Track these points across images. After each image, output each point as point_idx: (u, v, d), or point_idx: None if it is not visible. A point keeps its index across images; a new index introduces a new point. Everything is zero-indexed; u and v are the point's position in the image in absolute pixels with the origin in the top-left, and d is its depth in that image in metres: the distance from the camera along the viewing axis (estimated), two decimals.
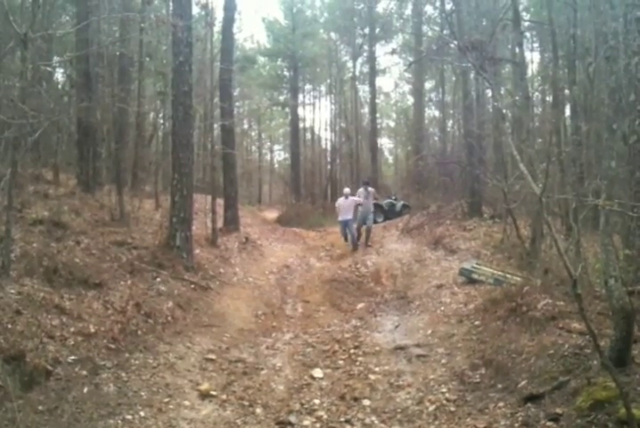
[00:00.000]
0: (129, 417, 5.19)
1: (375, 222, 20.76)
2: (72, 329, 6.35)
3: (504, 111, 8.75)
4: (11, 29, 7.66)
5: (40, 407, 4.89)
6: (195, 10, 16.34)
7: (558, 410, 4.68)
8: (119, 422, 5.08)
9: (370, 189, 15.87)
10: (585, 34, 11.35)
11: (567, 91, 12.64)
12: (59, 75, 17.78)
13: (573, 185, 8.91)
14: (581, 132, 9.99)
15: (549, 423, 4.57)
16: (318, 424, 5.39)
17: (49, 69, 11.14)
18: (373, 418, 5.52)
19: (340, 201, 15.72)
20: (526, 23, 18.26)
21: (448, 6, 19.36)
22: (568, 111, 13.14)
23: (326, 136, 38.85)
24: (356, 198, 15.47)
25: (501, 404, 5.25)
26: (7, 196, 7.20)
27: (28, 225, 9.07)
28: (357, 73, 34.45)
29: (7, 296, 6.33)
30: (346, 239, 15.55)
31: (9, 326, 5.72)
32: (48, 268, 7.40)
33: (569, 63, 11.80)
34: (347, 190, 15.88)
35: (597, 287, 6.79)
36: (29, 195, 10.55)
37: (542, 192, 4.61)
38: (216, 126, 17.52)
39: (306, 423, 5.42)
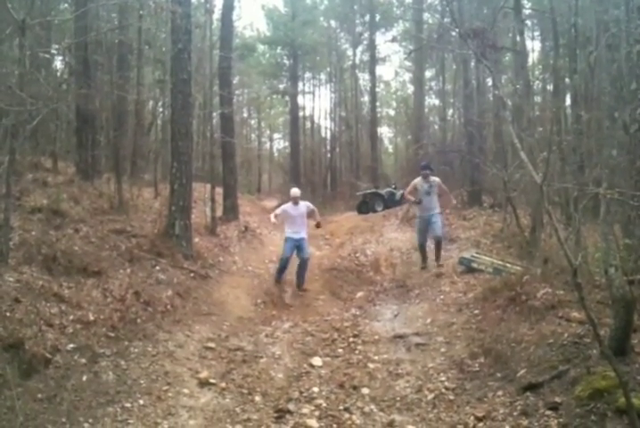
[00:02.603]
0: (128, 405, 5.20)
1: (375, 211, 20.83)
2: (71, 317, 6.35)
3: (504, 99, 8.70)
4: (9, 16, 7.60)
5: (39, 395, 4.89)
6: None
7: (557, 399, 4.68)
8: (118, 410, 5.09)
9: (434, 180, 10.87)
10: (586, 22, 11.27)
11: (568, 80, 12.55)
12: (57, 62, 17.65)
13: (574, 174, 8.88)
14: (582, 121, 9.93)
15: (548, 412, 4.58)
16: (317, 412, 5.39)
17: (47, 56, 11.11)
18: (372, 406, 5.53)
19: (287, 208, 10.72)
20: (527, 11, 18.16)
21: None
22: (568, 100, 13.07)
23: (326, 125, 38.75)
24: (309, 204, 11.09)
25: (500, 393, 5.26)
26: (5, 184, 7.18)
27: (27, 213, 9.05)
28: (357, 61, 34.28)
29: (6, 284, 6.31)
30: (280, 276, 10.79)
31: (8, 314, 5.72)
32: (47, 256, 7.38)
33: (570, 52, 11.70)
34: (295, 191, 10.98)
35: (597, 276, 6.78)
36: (28, 183, 10.52)
37: (543, 180, 4.59)
38: (215, 114, 17.49)
39: (305, 411, 5.42)
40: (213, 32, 16.71)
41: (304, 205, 10.80)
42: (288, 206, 10.71)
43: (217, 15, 19.71)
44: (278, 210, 10.74)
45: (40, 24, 10.87)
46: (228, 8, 17.08)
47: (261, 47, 36.02)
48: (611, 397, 4.30)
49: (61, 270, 7.34)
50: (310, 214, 11.03)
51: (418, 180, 10.82)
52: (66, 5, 17.25)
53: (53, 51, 15.44)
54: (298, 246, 10.48)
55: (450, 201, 11.98)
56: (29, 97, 7.71)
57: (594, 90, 10.24)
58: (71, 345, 5.84)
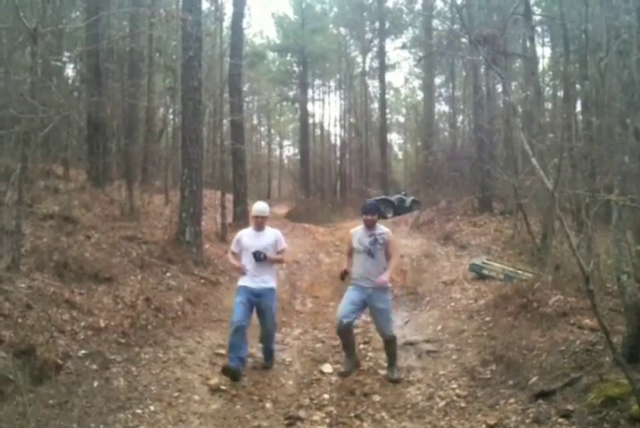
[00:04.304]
0: (139, 411, 5.19)
1: (385, 218, 20.81)
2: (82, 323, 6.37)
3: (515, 105, 8.69)
4: (21, 25, 7.68)
5: (50, 402, 4.89)
6: (205, 5, 16.43)
7: (569, 407, 4.64)
8: (129, 416, 5.08)
9: (383, 232, 6.51)
10: (596, 28, 11.26)
11: (578, 86, 12.56)
12: (69, 70, 17.82)
13: (585, 181, 8.85)
14: (593, 127, 9.91)
15: (560, 420, 4.54)
16: (328, 419, 5.37)
17: (59, 64, 11.18)
18: (383, 414, 5.50)
19: (244, 236, 6.69)
20: (537, 18, 18.14)
21: (459, 0, 19.30)
22: (579, 106, 13.05)
23: (336, 132, 38.88)
24: (280, 236, 6.73)
25: (512, 400, 5.22)
26: (18, 191, 7.22)
27: (39, 219, 9.10)
28: (367, 68, 34.39)
29: (18, 290, 6.34)
30: (237, 360, 6.13)
31: (19, 321, 5.74)
32: (58, 263, 7.41)
33: (580, 58, 11.72)
34: (261, 207, 6.62)
35: (609, 283, 6.76)
36: (40, 190, 10.58)
37: (554, 187, 4.58)
38: (225, 121, 17.57)
39: (315, 418, 5.40)
40: (223, 40, 16.82)
41: (272, 234, 6.61)
42: (246, 233, 6.67)
43: (227, 23, 19.91)
44: (233, 244, 6.70)
45: (52, 32, 10.98)
46: (238, 16, 17.17)
47: (271, 55, 36.19)
48: (624, 404, 4.26)
49: (72, 277, 7.37)
50: (277, 252, 6.66)
51: (358, 231, 6.55)
52: (77, 13, 17.37)
53: (65, 59, 15.57)
54: (258, 304, 6.39)
55: (387, 271, 6.41)
56: (41, 105, 7.76)
57: (604, 96, 10.20)
58: (82, 351, 5.86)
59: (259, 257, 6.37)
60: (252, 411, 5.59)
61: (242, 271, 6.43)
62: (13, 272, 6.71)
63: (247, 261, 6.45)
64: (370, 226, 6.41)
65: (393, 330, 6.57)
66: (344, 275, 6.76)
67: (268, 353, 6.80)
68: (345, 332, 6.46)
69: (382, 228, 6.52)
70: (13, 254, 6.87)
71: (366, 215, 6.43)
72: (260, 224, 6.53)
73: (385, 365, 6.73)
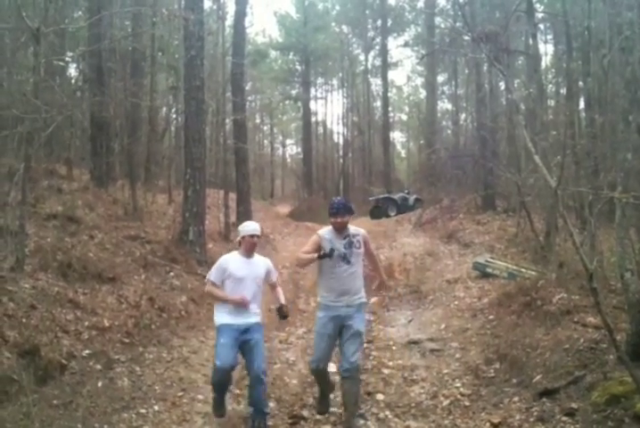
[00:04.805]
0: (143, 411, 5.20)
1: (388, 216, 20.81)
2: (86, 323, 6.38)
3: (517, 103, 8.67)
4: (23, 24, 7.68)
5: (55, 402, 4.91)
6: (207, 4, 16.45)
7: (573, 405, 4.64)
8: (134, 416, 5.09)
9: (357, 232, 5.21)
10: (599, 25, 11.23)
11: (581, 83, 12.52)
12: (71, 70, 17.81)
13: (588, 178, 8.83)
14: (596, 124, 9.90)
15: (564, 418, 4.53)
16: (332, 418, 5.36)
17: (62, 63, 11.14)
18: (387, 413, 5.50)
19: (229, 262, 5.23)
20: (539, 15, 18.12)
21: None
22: (582, 104, 13.02)
23: (338, 130, 38.97)
24: (270, 265, 5.49)
25: (516, 399, 5.21)
26: (21, 191, 7.24)
27: (42, 219, 9.11)
28: (369, 66, 34.38)
29: (22, 290, 6.35)
30: (220, 407, 5.16)
31: (23, 321, 5.75)
32: (62, 263, 7.43)
33: (583, 55, 11.68)
34: (252, 227, 5.35)
35: (613, 281, 6.74)
36: (43, 190, 10.59)
37: (557, 184, 4.57)
38: (228, 120, 17.56)
39: (319, 417, 5.40)
40: (225, 39, 16.84)
41: (264, 263, 5.39)
42: (232, 259, 5.24)
43: (229, 22, 19.92)
44: (213, 273, 5.19)
45: (54, 32, 10.97)
46: (240, 15, 17.15)
47: (273, 53, 36.23)
48: (629, 402, 4.25)
49: (76, 276, 7.38)
50: (270, 285, 5.51)
51: (327, 232, 5.18)
52: (80, 13, 17.41)
53: (68, 58, 15.51)
54: (245, 341, 5.04)
55: (382, 278, 5.70)
56: (44, 105, 7.79)
57: (607, 93, 10.17)
58: (87, 351, 5.87)
59: (285, 313, 5.29)
60: None
61: (243, 304, 5.04)
62: (17, 272, 6.73)
63: (233, 291, 5.07)
64: (340, 229, 5.08)
65: (358, 359, 5.08)
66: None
67: (260, 405, 4.95)
68: (321, 376, 5.30)
69: (356, 229, 5.20)
70: (17, 254, 6.89)
71: (335, 217, 5.02)
72: (254, 246, 5.26)
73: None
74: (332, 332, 5.05)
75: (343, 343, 5.07)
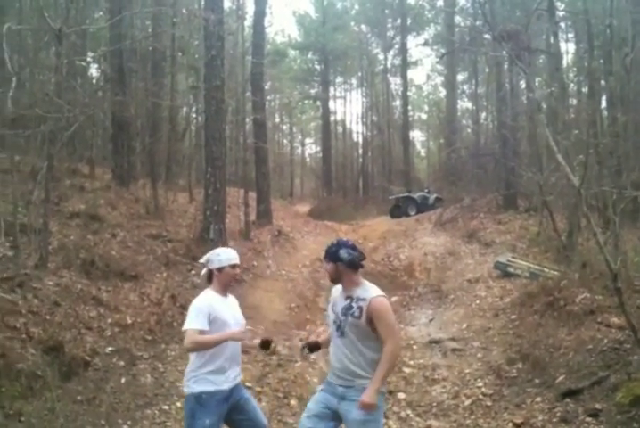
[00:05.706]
0: (166, 408, 5.25)
1: (408, 215, 20.74)
2: (109, 320, 6.45)
3: (539, 102, 8.60)
4: (45, 25, 7.78)
5: (79, 397, 4.96)
6: (227, 4, 16.49)
7: (597, 406, 4.60)
8: (156, 412, 5.13)
9: (367, 291, 3.64)
10: (621, 24, 11.12)
11: (603, 81, 12.41)
12: (93, 70, 18.02)
13: (611, 177, 8.75)
14: (618, 123, 9.80)
15: (588, 419, 4.50)
16: None
17: (83, 64, 11.30)
18: (409, 412, 5.49)
19: (213, 304, 3.81)
20: (561, 13, 17.93)
21: None
22: (604, 102, 12.90)
23: (357, 130, 38.76)
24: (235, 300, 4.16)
25: (538, 399, 5.17)
26: (44, 190, 7.33)
27: (65, 218, 9.21)
28: (389, 65, 34.22)
29: (45, 288, 6.43)
30: None
31: (47, 318, 5.82)
32: (85, 261, 7.51)
33: (605, 53, 11.59)
34: (234, 252, 4.06)
35: (637, 281, 6.66)
36: (66, 189, 10.70)
37: (580, 184, 4.53)
38: (248, 120, 17.58)
39: None
40: (245, 38, 16.83)
41: (235, 302, 4.23)
42: (214, 299, 3.89)
43: (248, 22, 19.90)
44: (200, 320, 3.68)
45: (76, 32, 11.10)
46: (260, 14, 17.18)
47: (292, 53, 36.21)
48: None
49: (99, 274, 7.46)
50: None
51: (338, 288, 3.80)
52: (101, 14, 17.55)
53: (89, 59, 15.73)
54: (236, 402, 3.87)
55: (383, 371, 3.46)
56: (66, 104, 7.87)
57: (630, 92, 10.07)
58: (110, 348, 5.93)
59: (267, 346, 4.12)
60: (278, 408, 5.62)
61: (245, 337, 3.94)
62: (41, 270, 6.81)
63: (223, 344, 3.74)
64: (344, 285, 3.70)
65: None
66: (312, 347, 4.21)
67: None
68: None
69: (367, 291, 3.63)
70: (41, 252, 6.97)
71: (325, 262, 3.79)
72: (234, 280, 4.19)
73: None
74: (319, 408, 3.65)
75: None
